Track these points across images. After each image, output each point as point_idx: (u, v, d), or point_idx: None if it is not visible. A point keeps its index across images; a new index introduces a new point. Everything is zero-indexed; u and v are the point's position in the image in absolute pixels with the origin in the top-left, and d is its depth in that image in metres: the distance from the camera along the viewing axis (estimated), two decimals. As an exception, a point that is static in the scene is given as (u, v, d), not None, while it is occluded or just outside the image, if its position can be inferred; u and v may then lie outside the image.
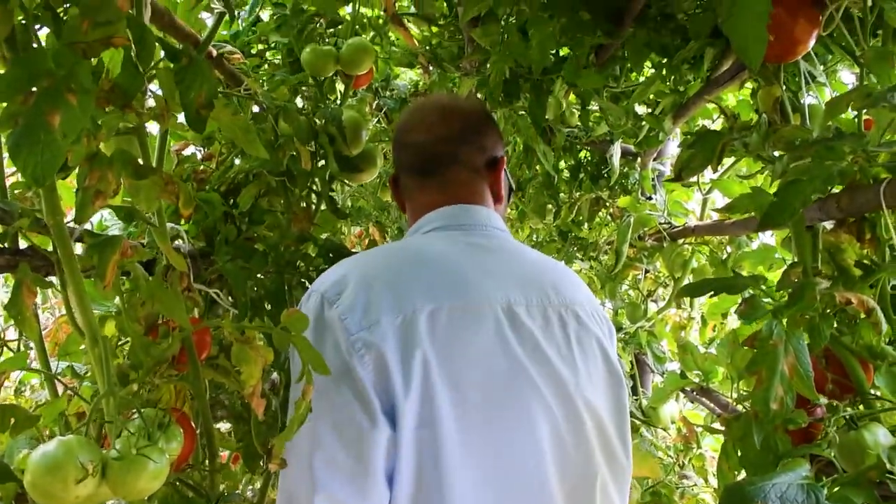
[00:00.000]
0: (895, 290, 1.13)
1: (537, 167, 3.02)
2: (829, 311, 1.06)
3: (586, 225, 3.09)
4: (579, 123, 2.66)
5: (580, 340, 1.15)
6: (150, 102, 1.09)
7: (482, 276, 1.13)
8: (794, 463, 0.98)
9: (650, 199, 2.51)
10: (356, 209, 2.60)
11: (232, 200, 1.57)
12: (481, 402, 1.01)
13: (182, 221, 1.53)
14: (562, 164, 3.05)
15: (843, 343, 1.11)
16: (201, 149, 1.76)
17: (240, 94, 1.45)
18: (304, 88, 1.84)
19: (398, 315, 1.02)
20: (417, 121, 1.36)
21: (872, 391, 1.10)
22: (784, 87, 1.25)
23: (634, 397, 2.23)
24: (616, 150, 2.21)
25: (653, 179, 2.56)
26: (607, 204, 2.88)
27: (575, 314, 1.18)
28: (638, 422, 2.12)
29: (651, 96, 1.92)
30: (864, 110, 1.12)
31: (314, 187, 1.72)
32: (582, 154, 3.01)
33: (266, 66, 1.92)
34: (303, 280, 1.57)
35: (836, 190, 1.18)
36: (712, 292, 1.14)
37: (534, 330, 1.10)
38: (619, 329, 2.30)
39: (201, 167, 1.66)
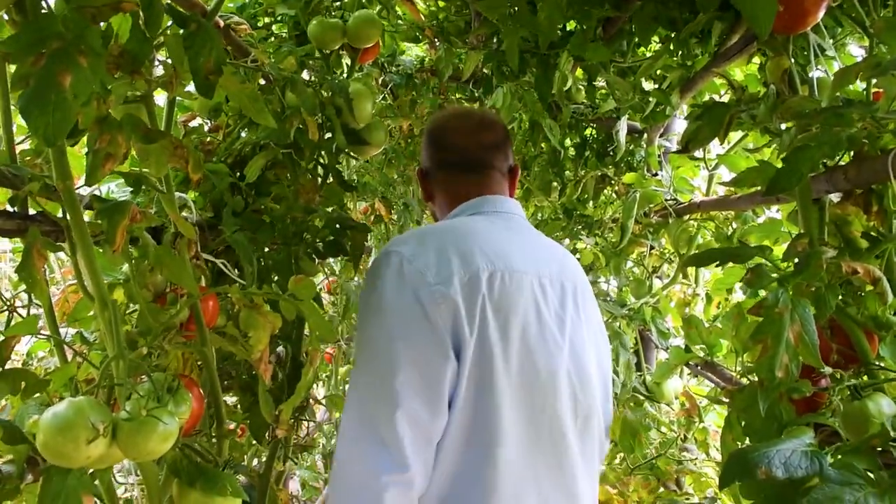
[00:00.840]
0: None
1: (543, 144, 3.02)
2: (834, 281, 1.06)
3: (591, 203, 3.08)
4: (585, 100, 2.66)
5: (584, 307, 1.46)
6: (158, 71, 1.09)
7: (520, 251, 1.39)
8: (797, 431, 0.99)
9: (656, 175, 2.51)
10: (362, 184, 2.60)
11: (239, 172, 1.57)
12: (519, 348, 1.28)
13: (190, 193, 1.54)
14: (567, 141, 3.05)
15: (848, 314, 1.11)
16: (209, 121, 1.76)
17: (247, 66, 1.44)
18: (310, 62, 1.84)
19: (466, 274, 1.26)
20: (459, 126, 1.61)
21: (877, 361, 1.11)
22: (793, 60, 1.24)
23: (638, 373, 2.24)
24: (622, 127, 2.20)
25: (659, 156, 2.55)
26: (613, 181, 2.88)
27: (580, 286, 1.48)
28: (641, 397, 2.13)
29: (658, 71, 1.91)
30: (874, 83, 1.12)
31: (321, 160, 1.72)
32: (588, 131, 3.00)
33: (272, 38, 1.91)
34: (309, 251, 1.58)
35: (843, 162, 1.18)
36: (718, 264, 1.15)
37: (554, 297, 1.39)
38: (623, 305, 2.30)
39: (208, 139, 1.66)
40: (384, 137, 1.81)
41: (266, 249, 1.59)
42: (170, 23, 1.01)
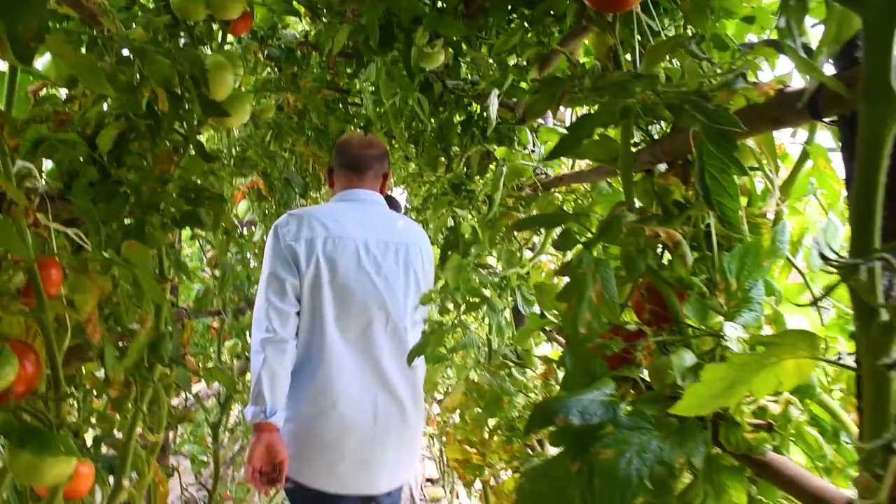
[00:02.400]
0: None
1: (432, 119, 3.06)
2: (645, 245, 1.13)
3: (477, 178, 3.14)
4: (468, 76, 2.71)
5: (406, 260, 2.53)
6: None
7: (356, 224, 2.50)
8: (601, 383, 1.06)
9: (533, 150, 2.58)
10: (241, 159, 2.61)
11: (103, 144, 1.57)
12: (344, 281, 2.38)
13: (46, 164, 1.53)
14: (457, 118, 3.10)
15: (661, 276, 1.19)
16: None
17: (92, 34, 1.44)
18: (177, 32, 1.83)
19: (309, 237, 2.39)
20: (354, 142, 2.69)
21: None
22: (618, 38, 1.31)
23: (510, 342, 2.32)
24: (493, 102, 2.26)
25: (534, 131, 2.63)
26: (497, 157, 2.95)
27: (408, 247, 2.57)
28: (511, 364, 2.21)
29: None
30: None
31: (182, 131, 1.73)
32: (474, 107, 3.06)
33: (136, 7, 1.90)
34: (165, 221, 1.59)
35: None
36: (538, 227, 1.21)
37: (377, 252, 2.47)
38: (496, 275, 2.37)
39: (64, 109, 1.65)
40: (248, 110, 1.82)
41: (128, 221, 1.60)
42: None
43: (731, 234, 1.02)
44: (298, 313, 2.38)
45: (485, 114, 2.96)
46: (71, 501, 1.67)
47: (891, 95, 0.56)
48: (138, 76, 1.58)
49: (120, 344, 1.79)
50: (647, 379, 1.18)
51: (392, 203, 3.63)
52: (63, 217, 1.48)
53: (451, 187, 3.36)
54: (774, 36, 1.19)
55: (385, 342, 2.40)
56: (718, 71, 1.05)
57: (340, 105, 3.69)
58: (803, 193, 1.21)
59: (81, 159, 1.55)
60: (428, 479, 6.04)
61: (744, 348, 0.94)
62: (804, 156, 1.12)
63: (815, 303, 1.11)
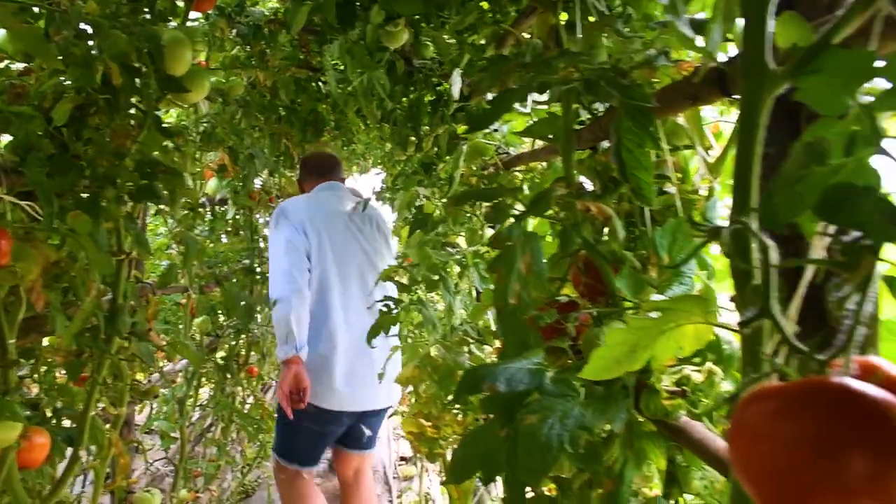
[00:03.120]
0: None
1: (403, 99, 3.08)
2: (578, 219, 1.16)
3: (448, 158, 3.17)
4: (436, 55, 2.72)
5: (378, 228, 3.38)
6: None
7: (337, 203, 3.34)
8: (532, 352, 1.10)
9: (495, 130, 2.60)
10: (207, 135, 2.62)
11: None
12: (341, 246, 3.20)
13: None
14: (428, 98, 3.12)
15: (597, 250, 1.22)
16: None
17: (49, 7, 1.45)
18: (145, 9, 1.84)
19: (306, 215, 3.16)
20: (317, 154, 3.69)
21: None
22: (561, 18, 1.34)
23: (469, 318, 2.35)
24: (455, 81, 2.28)
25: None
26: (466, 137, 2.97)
27: (377, 218, 3.42)
28: (471, 340, 2.25)
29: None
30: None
31: (142, 106, 1.74)
32: (444, 87, 3.07)
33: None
34: (121, 195, 1.61)
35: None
36: (475, 201, 1.24)
37: (361, 224, 3.33)
38: (460, 253, 2.40)
39: (21, 82, 1.66)
40: (207, 86, 1.84)
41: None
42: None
43: (644, 205, 1.04)
44: (310, 270, 3.13)
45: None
46: (28, 470, 1.71)
47: (765, 71, 0.59)
48: (94, 51, 1.59)
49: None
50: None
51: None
52: (17, 190, 1.50)
53: (421, 167, 3.38)
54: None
55: (365, 286, 3.25)
56: (652, 51, 1.08)
57: (313, 84, 3.70)
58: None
59: (40, 133, 1.57)
60: (402, 458, 6.09)
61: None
62: (735, 134, 1.15)
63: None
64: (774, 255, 0.51)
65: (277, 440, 3.26)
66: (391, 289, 2.63)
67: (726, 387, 1.09)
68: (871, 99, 0.51)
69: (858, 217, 0.39)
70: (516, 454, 0.98)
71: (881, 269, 0.49)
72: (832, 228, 0.55)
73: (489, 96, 2.70)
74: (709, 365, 1.07)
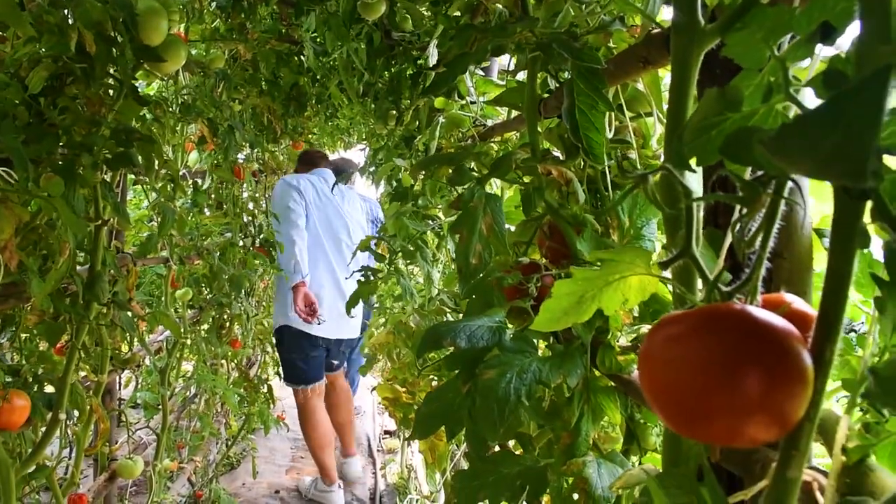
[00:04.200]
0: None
1: (385, 73, 3.09)
2: (541, 184, 1.19)
3: (428, 130, 3.19)
4: (414, 28, 2.73)
5: (358, 204, 4.83)
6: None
7: (321, 182, 4.69)
8: (493, 311, 1.13)
9: (473, 102, 2.62)
10: (186, 106, 2.62)
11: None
12: (327, 215, 4.58)
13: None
14: (408, 71, 3.13)
15: (560, 213, 1.25)
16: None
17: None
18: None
19: (304, 185, 4.53)
20: (311, 151, 5.09)
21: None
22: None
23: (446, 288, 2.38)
24: (432, 52, 2.30)
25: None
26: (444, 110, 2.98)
27: (356, 197, 4.87)
28: (448, 309, 2.28)
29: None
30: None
31: (118, 75, 1.76)
32: (423, 60, 3.09)
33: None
34: (97, 162, 1.63)
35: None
36: (438, 165, 1.27)
37: (342, 201, 4.69)
38: (437, 224, 2.43)
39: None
40: (183, 56, 1.85)
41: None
42: None
43: (595, 165, 1.07)
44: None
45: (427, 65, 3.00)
46: (7, 432, 1.74)
47: (696, 28, 0.62)
48: (70, 19, 1.60)
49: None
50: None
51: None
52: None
53: (402, 141, 3.40)
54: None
55: (348, 251, 4.51)
56: (607, 16, 1.10)
57: (294, 57, 3.70)
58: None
59: (17, 102, 1.58)
60: (386, 431, 6.14)
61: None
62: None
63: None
64: (693, 198, 0.55)
65: (285, 373, 4.58)
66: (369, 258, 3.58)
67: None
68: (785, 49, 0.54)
69: (756, 155, 0.42)
70: (476, 408, 1.01)
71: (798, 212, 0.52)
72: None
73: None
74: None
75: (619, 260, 0.75)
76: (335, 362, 4.72)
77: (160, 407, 3.20)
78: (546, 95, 1.43)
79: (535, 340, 1.08)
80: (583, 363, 1.02)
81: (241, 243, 3.79)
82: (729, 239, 0.63)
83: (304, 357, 4.48)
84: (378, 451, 5.76)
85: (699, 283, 0.63)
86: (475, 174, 1.13)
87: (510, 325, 1.11)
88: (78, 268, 1.75)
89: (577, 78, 0.92)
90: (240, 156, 3.92)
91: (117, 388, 2.98)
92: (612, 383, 1.08)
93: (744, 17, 0.60)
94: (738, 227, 0.49)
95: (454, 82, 2.67)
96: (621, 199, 1.15)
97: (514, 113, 2.30)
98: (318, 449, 4.58)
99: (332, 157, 5.43)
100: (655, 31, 0.92)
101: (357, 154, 6.95)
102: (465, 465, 3.18)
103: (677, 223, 0.62)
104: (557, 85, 1.43)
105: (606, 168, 1.24)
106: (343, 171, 4.73)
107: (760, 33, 0.58)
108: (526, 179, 1.22)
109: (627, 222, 1.19)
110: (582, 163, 1.29)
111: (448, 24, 1.94)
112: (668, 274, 0.80)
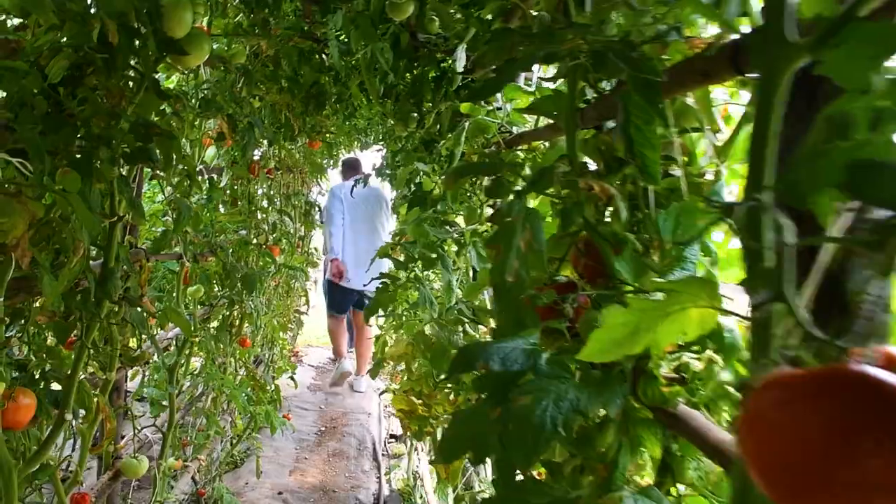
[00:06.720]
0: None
1: (407, 75, 3.04)
2: (580, 198, 1.13)
3: (449, 135, 3.13)
4: (440, 31, 2.68)
5: (381, 202, 7.14)
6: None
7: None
8: (528, 332, 1.07)
9: (499, 108, 2.57)
10: (206, 101, 2.57)
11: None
12: (360, 213, 7.11)
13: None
14: (432, 74, 3.08)
15: (598, 230, 1.19)
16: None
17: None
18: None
19: (344, 192, 6.89)
20: (350, 159, 7.37)
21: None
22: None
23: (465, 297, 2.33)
24: (459, 56, 2.24)
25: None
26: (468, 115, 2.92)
27: (380, 197, 7.13)
28: (466, 319, 2.22)
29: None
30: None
31: (139, 67, 1.71)
32: (447, 63, 3.03)
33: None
34: (116, 156, 1.58)
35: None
36: (473, 175, 1.21)
37: (369, 199, 7.04)
38: (457, 232, 2.37)
39: (16, 37, 1.62)
40: (207, 49, 1.80)
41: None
42: None
43: (649, 184, 1.01)
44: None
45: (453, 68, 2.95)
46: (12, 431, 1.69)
47: (786, 43, 0.56)
48: (92, 8, 1.55)
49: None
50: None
51: (355, 165, 7.39)
52: (9, 147, 1.47)
53: (422, 144, 3.35)
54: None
55: (373, 241, 6.45)
56: (664, 26, 1.04)
57: (316, 55, 3.65)
58: (744, 155, 1.21)
59: (35, 91, 1.53)
60: (392, 436, 6.09)
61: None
62: (746, 116, 1.12)
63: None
64: (790, 235, 0.49)
65: (328, 304, 7.58)
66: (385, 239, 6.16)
67: (726, 377, 1.07)
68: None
69: (887, 193, 0.36)
70: (508, 435, 0.95)
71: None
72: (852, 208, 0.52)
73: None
74: (709, 353, 1.04)
75: (682, 291, 0.69)
76: (363, 301, 6.79)
77: (166, 404, 3.16)
78: (583, 106, 1.37)
79: (570, 365, 1.02)
80: (622, 392, 0.96)
81: (254, 241, 3.75)
82: (813, 277, 0.57)
83: (337, 298, 7.30)
84: (383, 455, 5.70)
85: (780, 325, 0.57)
86: (515, 188, 1.07)
87: (544, 348, 1.05)
88: (90, 262, 1.70)
89: (632, 90, 0.86)
90: (256, 153, 3.86)
91: (124, 381, 2.93)
92: (652, 415, 1.02)
93: (841, 32, 0.54)
94: (849, 271, 0.43)
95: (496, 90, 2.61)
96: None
97: (543, 121, 2.25)
98: (336, 342, 7.77)
99: (344, 157, 7.33)
100: (718, 43, 0.86)
101: (372, 155, 8.78)
102: (476, 481, 3.12)
103: (758, 258, 0.56)
104: (596, 95, 1.38)
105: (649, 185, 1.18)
106: (359, 170, 7.05)
107: (864, 52, 0.52)
108: (562, 193, 1.16)
109: (670, 242, 1.13)
110: (622, 178, 1.23)
111: (480, 28, 1.88)
112: (729, 305, 0.74)
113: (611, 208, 1.22)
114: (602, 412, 1.01)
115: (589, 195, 1.17)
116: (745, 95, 1.15)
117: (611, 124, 1.35)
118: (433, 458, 2.28)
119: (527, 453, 0.92)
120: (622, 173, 1.18)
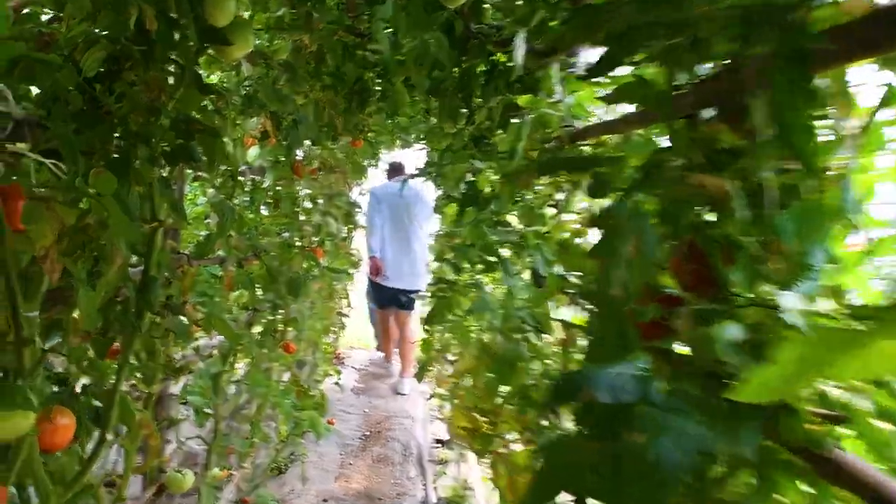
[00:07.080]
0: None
1: (455, 69, 2.89)
2: (686, 197, 0.98)
3: (501, 131, 2.97)
4: (494, 21, 2.53)
5: (420, 203, 7.16)
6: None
7: (395, 187, 6.48)
8: (634, 355, 0.92)
9: (559, 101, 2.40)
10: (248, 98, 2.45)
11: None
12: (398, 213, 7.26)
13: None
14: (481, 67, 2.92)
15: (706, 234, 1.04)
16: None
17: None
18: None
19: (383, 193, 7.28)
20: (395, 163, 7.63)
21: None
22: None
23: (528, 304, 2.17)
24: (519, 44, 2.08)
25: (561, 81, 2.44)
26: (521, 108, 2.76)
27: (420, 198, 7.15)
28: (528, 327, 2.07)
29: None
30: None
31: (180, 60, 1.58)
32: (498, 56, 2.87)
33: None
34: (156, 155, 1.45)
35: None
36: (566, 170, 1.06)
37: (411, 202, 7.17)
38: (515, 233, 2.22)
39: (49, 29, 1.50)
40: (251, 40, 1.67)
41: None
42: None
43: (811, 179, 0.85)
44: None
45: (509, 60, 2.78)
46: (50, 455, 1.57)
47: None
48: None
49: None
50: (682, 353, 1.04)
51: (400, 167, 7.56)
52: (42, 146, 1.35)
53: (471, 141, 3.20)
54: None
55: (412, 241, 7.19)
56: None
57: (358, 51, 3.51)
58: (879, 146, 1.04)
59: (70, 87, 1.41)
60: (437, 441, 5.95)
61: (810, 323, 0.78)
62: (887, 98, 0.94)
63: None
64: None
65: (371, 298, 7.88)
66: (424, 241, 7.02)
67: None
68: None
69: None
70: (619, 478, 0.80)
71: None
72: None
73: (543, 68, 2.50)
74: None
75: (885, 319, 0.54)
76: (403, 300, 7.26)
77: (210, 412, 3.06)
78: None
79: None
80: (759, 429, 0.80)
81: (298, 243, 3.63)
82: None
83: (378, 294, 7.51)
84: (429, 461, 5.56)
85: None
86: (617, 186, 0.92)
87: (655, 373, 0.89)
88: (130, 270, 1.58)
89: (784, 66, 0.70)
90: (298, 153, 3.74)
91: (168, 390, 2.83)
92: (793, 458, 0.85)
93: None
94: None
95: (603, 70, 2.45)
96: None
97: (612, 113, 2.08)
98: (384, 343, 8.18)
99: (388, 158, 7.52)
100: (887, 4, 0.70)
101: (411, 154, 8.86)
102: None
103: None
104: (688, 82, 1.21)
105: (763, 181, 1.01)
106: (402, 172, 7.30)
107: None
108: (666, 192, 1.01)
109: (796, 247, 0.97)
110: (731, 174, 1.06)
111: (549, 12, 1.71)
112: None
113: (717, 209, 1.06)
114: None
115: (696, 193, 1.01)
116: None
117: (706, 114, 1.19)
118: (491, 477, 2.12)
119: (646, 500, 0.77)
120: (734, 167, 1.01)
